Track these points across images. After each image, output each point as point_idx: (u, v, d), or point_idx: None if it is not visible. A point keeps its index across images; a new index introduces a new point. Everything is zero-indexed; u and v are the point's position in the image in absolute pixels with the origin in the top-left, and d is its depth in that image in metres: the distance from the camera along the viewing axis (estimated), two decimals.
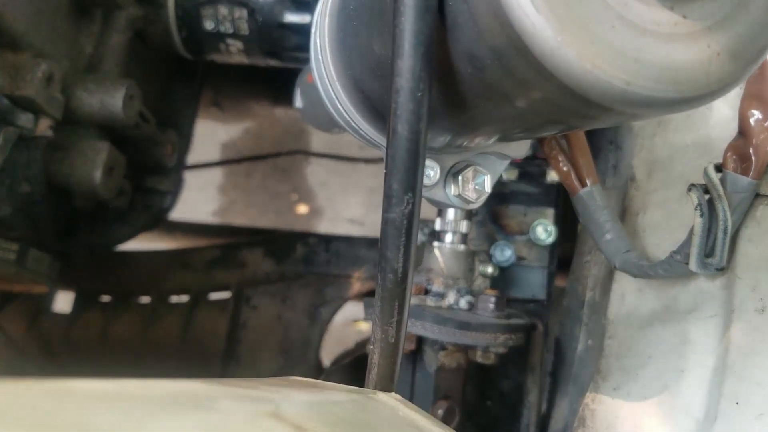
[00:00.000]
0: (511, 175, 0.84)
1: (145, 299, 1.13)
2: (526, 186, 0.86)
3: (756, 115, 0.51)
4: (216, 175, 2.26)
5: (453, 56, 0.36)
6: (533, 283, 0.86)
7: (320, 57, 0.53)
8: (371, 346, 0.43)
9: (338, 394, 0.32)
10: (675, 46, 0.31)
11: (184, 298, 1.13)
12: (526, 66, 0.31)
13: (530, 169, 0.84)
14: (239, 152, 2.22)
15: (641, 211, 0.67)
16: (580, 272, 0.80)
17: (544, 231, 0.84)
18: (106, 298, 1.13)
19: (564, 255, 0.89)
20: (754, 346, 0.50)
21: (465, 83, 0.37)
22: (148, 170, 0.95)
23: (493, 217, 0.86)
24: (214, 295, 1.15)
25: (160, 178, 0.95)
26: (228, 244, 1.14)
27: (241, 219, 2.30)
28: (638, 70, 0.30)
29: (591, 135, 0.83)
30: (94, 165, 0.79)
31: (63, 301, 1.18)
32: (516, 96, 0.35)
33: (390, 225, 0.39)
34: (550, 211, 0.85)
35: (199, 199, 2.19)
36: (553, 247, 0.86)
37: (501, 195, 0.86)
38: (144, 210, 0.95)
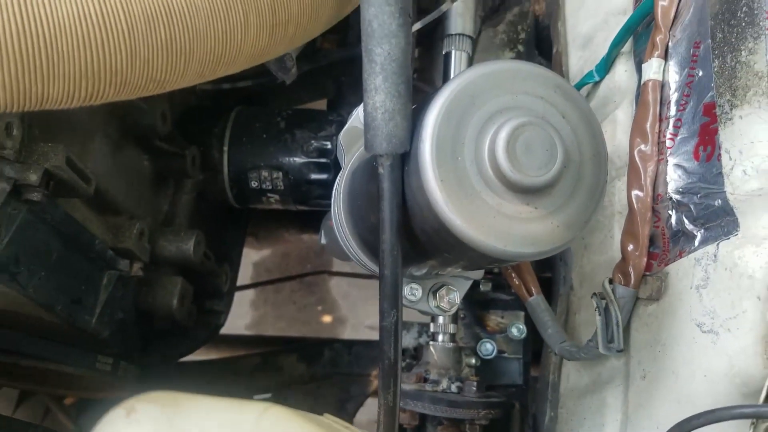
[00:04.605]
0: (487, 287, 1.08)
1: None
2: (501, 295, 1.10)
3: (631, 246, 0.76)
4: (248, 291, 2.52)
5: (414, 228, 0.62)
6: (512, 371, 1.09)
7: (338, 218, 0.80)
8: (378, 410, 0.66)
9: None
10: (531, 225, 0.56)
11: None
12: (450, 237, 0.56)
13: (502, 281, 1.09)
14: (268, 270, 2.50)
15: (577, 311, 0.91)
16: (546, 361, 1.02)
17: (517, 330, 1.08)
18: None
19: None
20: (641, 402, 0.73)
21: (422, 243, 0.62)
22: (207, 295, 1.21)
23: (477, 320, 1.10)
24: (257, 397, 1.38)
25: (217, 301, 1.21)
26: (268, 351, 1.38)
27: (271, 330, 2.54)
28: (510, 239, 0.55)
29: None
30: (171, 295, 1.06)
31: None
32: (449, 251, 0.60)
33: (384, 330, 0.63)
34: (521, 314, 1.09)
35: (234, 315, 2.43)
36: (525, 341, 1.09)
37: (482, 302, 1.11)
38: (205, 327, 1.20)
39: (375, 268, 0.79)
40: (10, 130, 0.75)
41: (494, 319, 1.10)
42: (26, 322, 0.96)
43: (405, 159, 0.59)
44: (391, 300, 0.62)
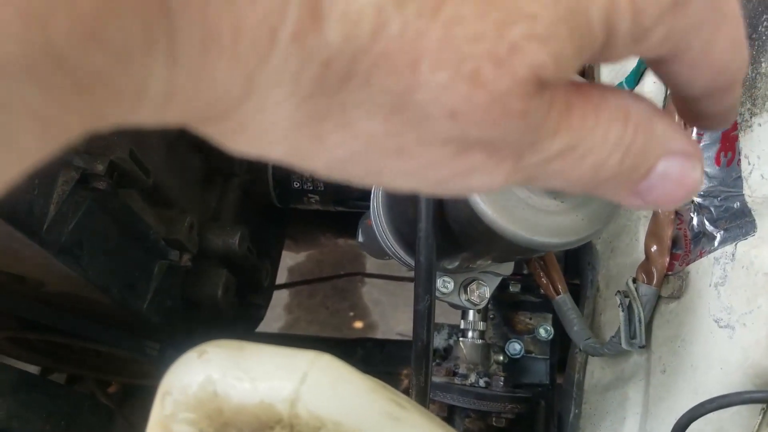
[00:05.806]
0: (516, 288, 1.13)
1: None
2: (529, 297, 1.14)
3: (654, 247, 0.80)
4: (283, 295, 2.59)
5: (448, 219, 0.67)
6: (539, 371, 1.12)
7: (377, 215, 0.85)
8: (410, 390, 0.71)
9: None
10: (557, 217, 0.61)
11: None
12: (483, 227, 0.61)
13: (531, 284, 1.13)
14: (303, 275, 2.56)
15: (602, 312, 0.95)
16: (572, 361, 1.06)
17: (545, 331, 1.12)
18: None
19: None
20: (661, 395, 0.77)
21: (456, 234, 0.68)
22: (249, 289, 1.27)
23: (506, 320, 1.14)
24: None
25: (258, 295, 1.27)
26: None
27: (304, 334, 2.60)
28: (537, 229, 0.60)
29: (575, 259, 1.12)
30: (216, 286, 1.12)
31: None
32: (481, 241, 0.65)
33: (418, 314, 0.68)
34: (549, 316, 1.13)
35: (269, 318, 2.51)
36: (553, 342, 1.13)
37: (511, 304, 1.15)
38: (245, 319, 1.26)
39: (410, 261, 0.84)
40: None
41: (522, 320, 1.14)
42: (82, 306, 1.03)
43: None
44: (426, 285, 0.67)
